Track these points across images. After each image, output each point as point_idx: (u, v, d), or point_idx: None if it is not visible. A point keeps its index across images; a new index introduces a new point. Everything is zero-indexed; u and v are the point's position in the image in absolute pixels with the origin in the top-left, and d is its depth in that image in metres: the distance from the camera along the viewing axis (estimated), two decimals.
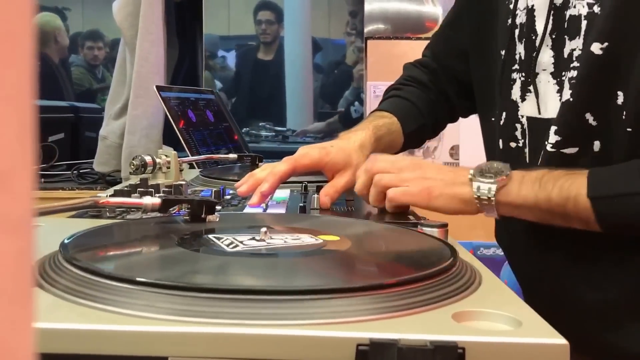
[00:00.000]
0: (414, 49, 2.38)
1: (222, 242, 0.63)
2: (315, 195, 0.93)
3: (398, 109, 1.13)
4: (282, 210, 0.93)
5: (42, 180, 2.00)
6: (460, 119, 1.23)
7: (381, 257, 0.64)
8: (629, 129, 0.78)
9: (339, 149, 0.98)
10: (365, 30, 2.26)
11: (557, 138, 0.84)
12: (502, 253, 2.21)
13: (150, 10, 1.93)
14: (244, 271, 0.56)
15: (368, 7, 2.26)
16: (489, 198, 0.78)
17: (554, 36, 0.87)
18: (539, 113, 0.89)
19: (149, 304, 0.47)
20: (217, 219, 0.75)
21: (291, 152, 1.00)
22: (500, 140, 0.95)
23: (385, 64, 2.23)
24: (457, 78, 1.14)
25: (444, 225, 0.72)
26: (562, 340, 0.42)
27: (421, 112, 1.14)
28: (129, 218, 0.85)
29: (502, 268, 2.13)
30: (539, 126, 0.89)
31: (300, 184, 1.08)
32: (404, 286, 0.48)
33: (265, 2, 3.44)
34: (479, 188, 0.78)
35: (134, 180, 1.17)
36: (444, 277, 0.52)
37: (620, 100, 0.79)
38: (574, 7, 0.84)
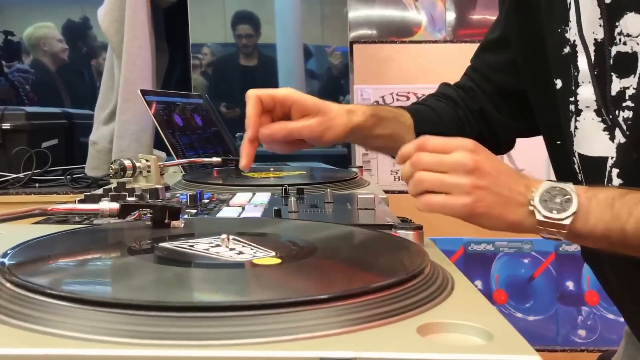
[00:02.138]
0: (399, 52, 2.37)
1: (173, 251, 0.59)
2: (293, 199, 0.89)
3: (414, 110, 1.05)
4: (259, 214, 0.89)
5: (37, 185, 2.00)
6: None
7: (341, 265, 0.59)
8: None
9: (316, 98, 0.91)
10: (350, 35, 2.25)
11: (620, 181, 0.79)
12: (493, 248, 2.17)
13: (135, 16, 1.90)
14: (183, 285, 0.51)
15: (353, 13, 2.26)
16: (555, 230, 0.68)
17: (595, 72, 0.81)
18: (584, 150, 0.84)
19: (84, 323, 0.42)
20: (182, 225, 0.71)
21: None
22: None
23: (371, 68, 2.22)
24: (502, 93, 1.05)
25: (418, 228, 0.67)
26: (533, 356, 0.38)
27: (442, 120, 1.05)
28: (96, 223, 0.81)
29: (493, 263, 2.08)
30: (589, 164, 0.83)
31: (281, 187, 1.05)
32: (361, 297, 0.43)
33: (242, 16, 3.41)
34: (540, 215, 0.68)
35: (113, 184, 1.14)
36: (410, 286, 0.47)
37: None
38: (623, 44, 0.78)
